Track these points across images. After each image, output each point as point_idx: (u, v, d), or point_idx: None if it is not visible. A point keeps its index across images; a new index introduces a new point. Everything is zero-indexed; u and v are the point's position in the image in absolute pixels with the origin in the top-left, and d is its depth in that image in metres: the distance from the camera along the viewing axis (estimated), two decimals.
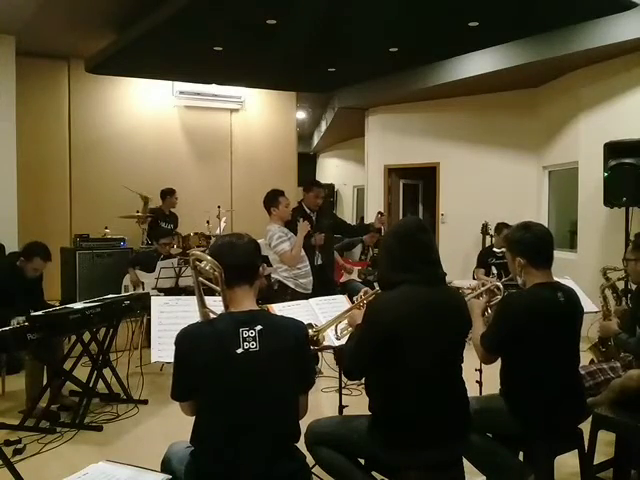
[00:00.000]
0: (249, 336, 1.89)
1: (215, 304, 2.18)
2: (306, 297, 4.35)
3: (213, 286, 2.09)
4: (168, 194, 7.36)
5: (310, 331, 2.58)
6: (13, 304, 4.11)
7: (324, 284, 5.00)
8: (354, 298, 2.78)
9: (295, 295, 4.51)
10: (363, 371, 2.26)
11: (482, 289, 2.81)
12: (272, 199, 4.81)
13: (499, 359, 2.54)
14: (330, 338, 2.82)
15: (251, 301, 2.02)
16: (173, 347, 1.95)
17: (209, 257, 2.04)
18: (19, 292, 4.26)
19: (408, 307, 2.11)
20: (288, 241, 4.67)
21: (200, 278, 2.13)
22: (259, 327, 1.91)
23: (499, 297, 2.75)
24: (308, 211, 5.19)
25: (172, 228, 7.33)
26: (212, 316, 2.09)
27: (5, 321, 3.72)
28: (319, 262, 5.16)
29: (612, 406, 2.88)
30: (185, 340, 1.92)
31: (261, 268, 2.09)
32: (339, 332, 2.73)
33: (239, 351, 1.87)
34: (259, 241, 2.24)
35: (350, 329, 2.60)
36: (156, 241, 6.18)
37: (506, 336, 2.43)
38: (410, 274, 2.16)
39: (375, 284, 6.33)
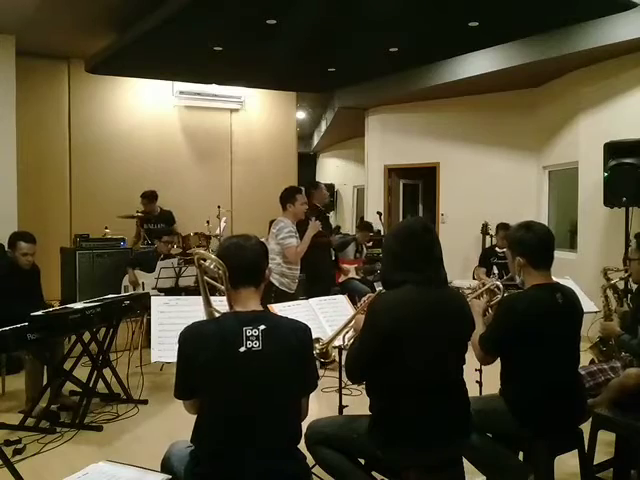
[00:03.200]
0: (252, 335, 1.90)
1: (219, 304, 2.18)
2: (291, 296, 4.47)
3: (218, 285, 2.09)
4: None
5: (317, 346, 2.57)
6: (14, 300, 4.11)
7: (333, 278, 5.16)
8: (357, 299, 2.76)
9: (279, 294, 4.55)
10: (364, 373, 2.26)
11: (482, 289, 2.81)
12: (289, 195, 4.81)
13: (498, 359, 2.54)
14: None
15: (256, 302, 2.02)
16: (173, 347, 1.95)
17: (213, 256, 2.04)
18: (18, 287, 4.25)
19: (409, 308, 2.11)
20: (296, 238, 4.71)
21: (205, 277, 2.14)
22: (263, 327, 1.92)
23: (499, 296, 2.75)
24: (322, 208, 5.40)
25: (163, 227, 7.22)
26: (217, 315, 2.09)
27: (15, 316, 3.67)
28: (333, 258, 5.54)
29: (612, 406, 2.88)
30: (188, 338, 1.92)
31: (267, 270, 2.09)
32: (347, 341, 2.66)
33: (242, 350, 1.87)
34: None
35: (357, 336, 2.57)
36: (158, 239, 6.13)
37: (504, 338, 2.43)
38: (412, 274, 2.16)
39: (375, 284, 6.35)
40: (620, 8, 5.12)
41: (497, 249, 6.46)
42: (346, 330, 2.67)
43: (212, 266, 2.02)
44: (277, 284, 4.68)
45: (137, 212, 7.00)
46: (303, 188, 5.34)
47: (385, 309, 2.12)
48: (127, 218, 6.96)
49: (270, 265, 4.65)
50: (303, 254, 4.73)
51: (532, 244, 2.48)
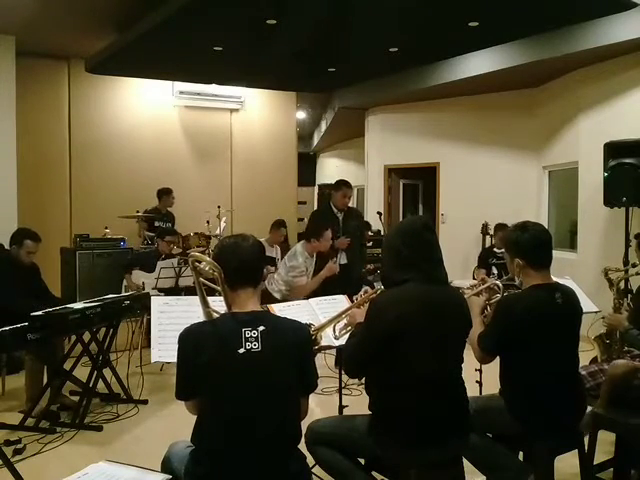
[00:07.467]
0: (251, 336, 1.90)
1: (219, 304, 2.18)
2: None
3: (214, 286, 2.09)
4: (165, 194, 7.36)
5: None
6: (18, 295, 4.11)
7: (349, 281, 5.10)
8: (354, 297, 2.77)
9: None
10: (364, 369, 2.26)
11: (482, 287, 2.81)
12: (317, 230, 4.81)
13: (497, 359, 2.54)
14: (329, 337, 2.82)
15: (254, 303, 2.02)
16: (173, 347, 1.95)
17: (208, 258, 2.05)
18: (20, 283, 4.26)
19: (411, 305, 2.11)
20: (307, 276, 4.77)
21: (201, 278, 2.14)
22: (262, 328, 1.92)
23: (499, 295, 2.75)
24: (335, 211, 5.34)
25: (169, 227, 7.28)
26: (215, 315, 2.09)
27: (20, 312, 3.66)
28: (344, 261, 5.36)
29: (611, 406, 2.87)
30: (188, 339, 1.93)
31: (265, 270, 2.09)
32: (337, 331, 2.73)
33: (241, 351, 1.88)
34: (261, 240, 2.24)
35: (349, 328, 2.60)
36: (161, 238, 6.10)
37: (503, 338, 2.43)
38: (414, 272, 2.17)
39: (375, 284, 6.36)
40: (620, 8, 5.12)
41: (495, 250, 6.46)
42: (338, 320, 2.69)
43: (207, 268, 2.02)
44: (279, 298, 4.70)
45: (137, 212, 6.99)
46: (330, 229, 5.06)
47: (388, 305, 2.13)
48: (127, 218, 6.96)
49: (275, 288, 4.70)
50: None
51: (529, 245, 2.47)
